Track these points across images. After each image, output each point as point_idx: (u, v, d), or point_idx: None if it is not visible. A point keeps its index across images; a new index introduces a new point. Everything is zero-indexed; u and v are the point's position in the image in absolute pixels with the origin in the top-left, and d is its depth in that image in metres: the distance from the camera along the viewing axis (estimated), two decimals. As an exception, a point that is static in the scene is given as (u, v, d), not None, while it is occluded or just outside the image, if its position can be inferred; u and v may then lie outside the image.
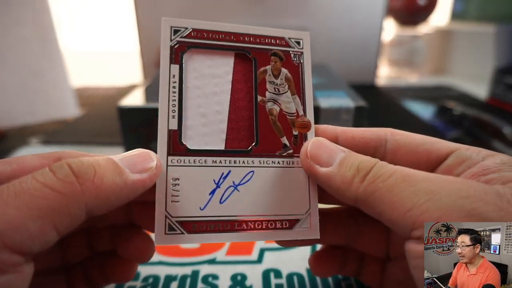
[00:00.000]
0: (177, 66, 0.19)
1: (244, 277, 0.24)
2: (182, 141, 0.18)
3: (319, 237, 0.18)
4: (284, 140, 0.19)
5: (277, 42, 0.20)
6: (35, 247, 0.13)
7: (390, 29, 0.93)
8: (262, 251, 0.27)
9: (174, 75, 0.19)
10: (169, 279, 0.24)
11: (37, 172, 0.14)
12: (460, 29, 0.95)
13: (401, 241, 0.19)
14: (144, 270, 0.25)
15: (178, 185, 0.18)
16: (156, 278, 0.24)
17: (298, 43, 0.20)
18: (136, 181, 0.16)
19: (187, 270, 0.25)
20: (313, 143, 0.18)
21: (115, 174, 0.15)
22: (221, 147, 0.19)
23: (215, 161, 0.18)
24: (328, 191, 0.17)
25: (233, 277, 0.24)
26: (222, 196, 0.18)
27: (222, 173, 0.18)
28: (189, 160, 0.18)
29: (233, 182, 0.18)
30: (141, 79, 0.71)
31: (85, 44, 1.17)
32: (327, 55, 0.68)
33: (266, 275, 0.24)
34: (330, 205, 0.21)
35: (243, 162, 0.19)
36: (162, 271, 0.25)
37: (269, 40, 0.20)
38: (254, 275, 0.24)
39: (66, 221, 0.14)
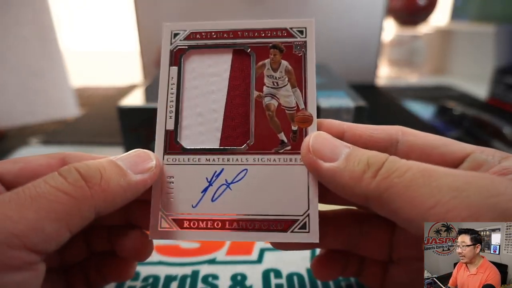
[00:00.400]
0: (176, 68, 0.20)
1: (244, 277, 0.24)
2: (178, 140, 0.19)
3: (318, 241, 0.17)
4: (282, 136, 0.18)
5: (278, 33, 0.19)
6: (50, 247, 0.14)
7: (390, 29, 0.93)
8: (262, 251, 0.27)
9: (172, 77, 0.19)
10: (169, 279, 0.24)
11: (48, 176, 0.15)
12: (460, 29, 0.95)
13: (407, 244, 0.19)
14: (144, 270, 0.25)
15: (173, 183, 0.18)
16: (156, 278, 0.24)
17: (301, 32, 0.19)
18: (139, 181, 0.17)
19: (187, 270, 0.25)
20: (315, 137, 0.17)
21: (119, 176, 0.16)
22: (216, 145, 0.19)
23: (209, 159, 0.18)
24: (332, 189, 0.16)
25: (233, 277, 0.24)
26: (214, 194, 0.18)
27: (215, 171, 0.18)
28: (183, 159, 0.19)
29: (226, 180, 0.18)
30: (141, 79, 0.71)
31: (85, 44, 1.17)
32: (327, 55, 0.68)
33: (266, 275, 0.24)
34: (330, 205, 0.21)
35: (237, 160, 0.18)
36: (162, 271, 0.25)
37: (270, 32, 0.19)
38: (254, 275, 0.24)
39: (78, 223, 0.15)
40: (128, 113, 0.35)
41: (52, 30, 0.56)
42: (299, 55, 0.19)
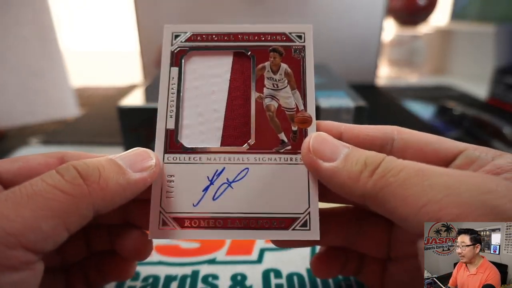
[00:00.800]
0: (176, 69, 0.20)
1: (244, 277, 0.24)
2: (178, 139, 0.19)
3: (319, 238, 0.18)
4: (282, 136, 0.19)
5: (277, 38, 0.20)
6: (47, 246, 0.14)
7: (390, 29, 0.93)
8: (262, 251, 0.27)
9: (173, 77, 0.20)
10: (169, 279, 0.24)
11: (45, 174, 0.15)
12: (460, 29, 0.95)
13: (405, 242, 0.19)
14: (144, 270, 0.25)
15: (173, 181, 0.18)
16: (156, 278, 0.24)
17: (300, 37, 0.20)
18: (138, 180, 0.16)
19: (187, 270, 0.25)
20: (315, 137, 0.17)
21: (118, 174, 0.16)
22: (217, 144, 0.19)
23: (210, 158, 0.19)
24: (331, 188, 0.17)
25: (233, 277, 0.24)
26: (215, 193, 0.18)
27: (216, 170, 0.18)
28: (184, 158, 0.19)
29: (227, 179, 0.18)
30: (141, 79, 0.71)
31: (85, 44, 1.17)
32: (327, 55, 0.68)
33: (266, 275, 0.24)
34: (330, 203, 0.21)
35: (238, 159, 0.18)
36: (162, 271, 0.25)
37: (269, 36, 0.20)
38: (254, 275, 0.24)
39: (76, 221, 0.15)
40: (128, 113, 0.35)
41: (52, 30, 0.56)
42: (298, 58, 0.20)
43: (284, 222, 0.18)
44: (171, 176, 0.18)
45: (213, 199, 0.18)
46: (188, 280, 0.24)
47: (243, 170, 0.18)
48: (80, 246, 0.21)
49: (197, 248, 0.27)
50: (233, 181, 0.18)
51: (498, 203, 0.12)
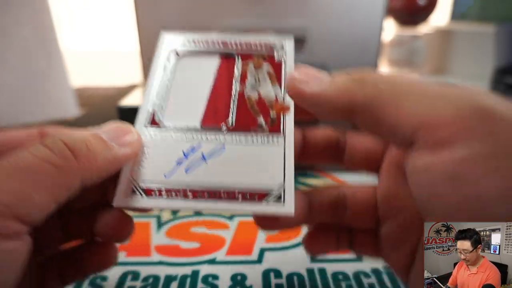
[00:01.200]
0: (168, 63, 0.22)
1: (244, 277, 0.24)
2: (159, 117, 0.20)
3: (293, 213, 0.17)
4: (261, 120, 0.20)
5: (262, 47, 0.23)
6: (37, 217, 0.14)
7: (390, 29, 0.93)
8: (262, 251, 0.27)
9: (165, 67, 0.22)
10: (169, 279, 0.24)
11: (32, 148, 0.15)
12: (460, 29, 0.95)
13: (390, 199, 0.19)
14: (144, 270, 0.25)
15: (148, 153, 0.19)
16: (156, 278, 0.24)
17: (282, 47, 0.23)
18: (123, 155, 0.17)
19: (187, 270, 0.25)
20: (299, 69, 0.18)
21: (105, 149, 0.16)
22: (197, 124, 0.20)
23: (188, 135, 0.19)
24: (317, 110, 0.17)
25: (233, 277, 0.24)
26: (189, 166, 0.18)
27: (193, 146, 0.19)
28: (162, 133, 0.19)
29: (202, 154, 0.19)
30: (141, 79, 0.71)
31: (85, 44, 1.17)
32: (327, 55, 0.68)
33: (266, 275, 0.24)
34: (319, 184, 0.21)
35: (216, 138, 0.19)
36: (162, 271, 0.25)
37: (255, 45, 0.23)
38: (254, 275, 0.24)
39: (64, 193, 0.15)
40: (128, 113, 0.35)
41: (52, 30, 0.56)
42: (278, 62, 0.22)
43: (256, 196, 0.17)
44: (146, 147, 0.19)
45: (186, 171, 0.18)
46: (188, 280, 0.24)
47: (220, 148, 0.19)
48: (56, 232, 0.20)
49: (197, 248, 0.27)
50: (208, 157, 0.18)
51: (487, 102, 0.13)
